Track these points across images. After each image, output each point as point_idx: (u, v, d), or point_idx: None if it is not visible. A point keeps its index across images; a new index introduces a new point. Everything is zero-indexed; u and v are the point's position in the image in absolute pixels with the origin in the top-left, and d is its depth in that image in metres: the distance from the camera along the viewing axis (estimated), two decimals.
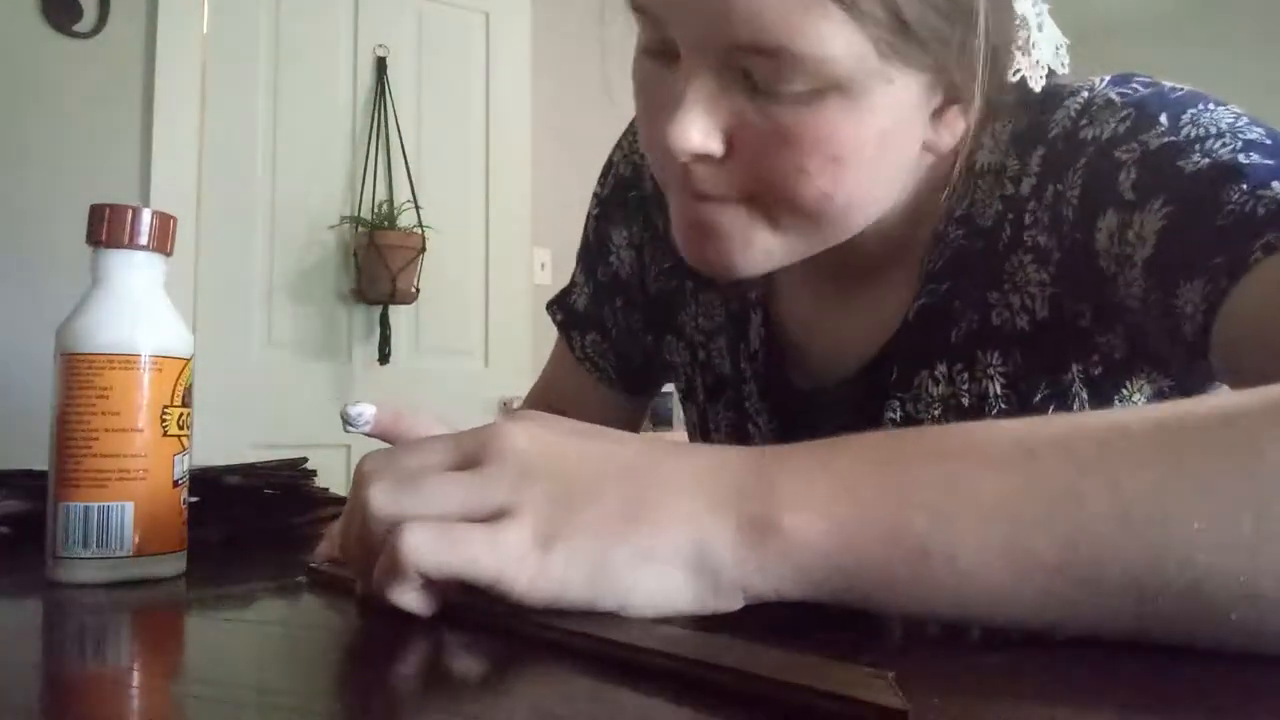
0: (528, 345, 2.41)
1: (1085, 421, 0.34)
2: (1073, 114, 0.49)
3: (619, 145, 0.72)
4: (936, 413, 0.53)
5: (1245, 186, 0.41)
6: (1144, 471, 0.29)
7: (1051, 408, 0.51)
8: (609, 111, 2.84)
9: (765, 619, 0.32)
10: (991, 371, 0.52)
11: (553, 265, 2.78)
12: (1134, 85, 0.49)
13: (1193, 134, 0.45)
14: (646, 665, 0.27)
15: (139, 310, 0.45)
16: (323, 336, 2.20)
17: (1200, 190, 0.42)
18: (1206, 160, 0.43)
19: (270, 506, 0.68)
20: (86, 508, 0.42)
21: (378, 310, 2.22)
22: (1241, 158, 0.42)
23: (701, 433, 0.67)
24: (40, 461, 0.47)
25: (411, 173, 2.27)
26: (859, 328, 0.56)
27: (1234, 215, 0.41)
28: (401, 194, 2.25)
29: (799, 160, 0.43)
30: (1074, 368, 0.51)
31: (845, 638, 0.34)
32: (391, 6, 2.32)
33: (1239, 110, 0.47)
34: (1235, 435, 0.30)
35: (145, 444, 0.44)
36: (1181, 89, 0.48)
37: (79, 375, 0.43)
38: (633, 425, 0.75)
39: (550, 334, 0.77)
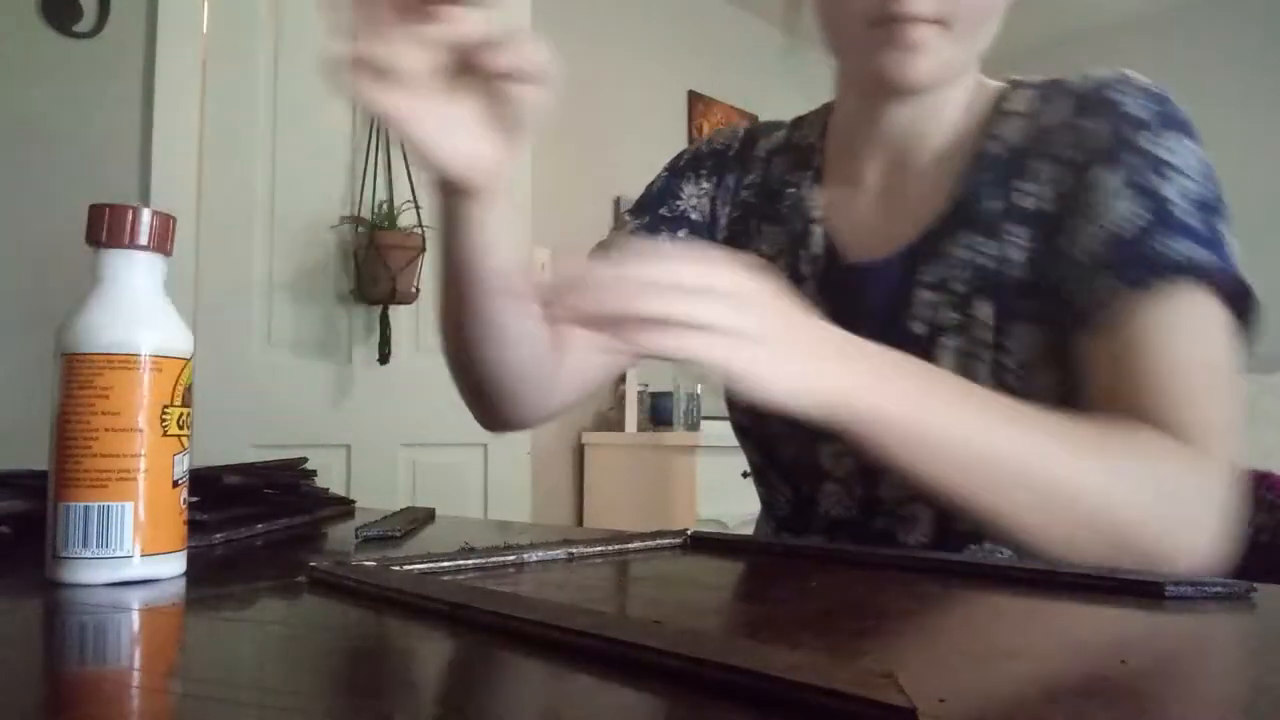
0: None
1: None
2: (1104, 79, 0.66)
3: (702, 140, 0.90)
4: (958, 272, 0.67)
5: (1174, 232, 0.58)
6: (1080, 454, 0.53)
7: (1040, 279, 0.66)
8: (609, 112, 2.85)
9: (771, 620, 0.32)
10: (1015, 241, 0.66)
11: (553, 265, 2.79)
12: (1148, 83, 0.65)
13: (1179, 162, 0.61)
14: (651, 664, 0.27)
15: (139, 310, 0.45)
16: (323, 336, 2.20)
17: (1154, 210, 0.59)
18: (1175, 190, 0.59)
19: (270, 506, 0.68)
20: (86, 508, 0.42)
21: (378, 310, 2.21)
22: (1183, 212, 0.59)
23: None
24: (40, 461, 0.47)
25: (411, 173, 2.26)
26: (900, 224, 0.71)
27: (1156, 249, 0.58)
28: (401, 194, 2.25)
29: None
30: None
31: (851, 637, 0.33)
32: None
33: (1200, 155, 0.62)
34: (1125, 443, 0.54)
35: (145, 444, 0.43)
36: (1183, 112, 0.64)
37: (79, 375, 0.43)
38: None
39: None
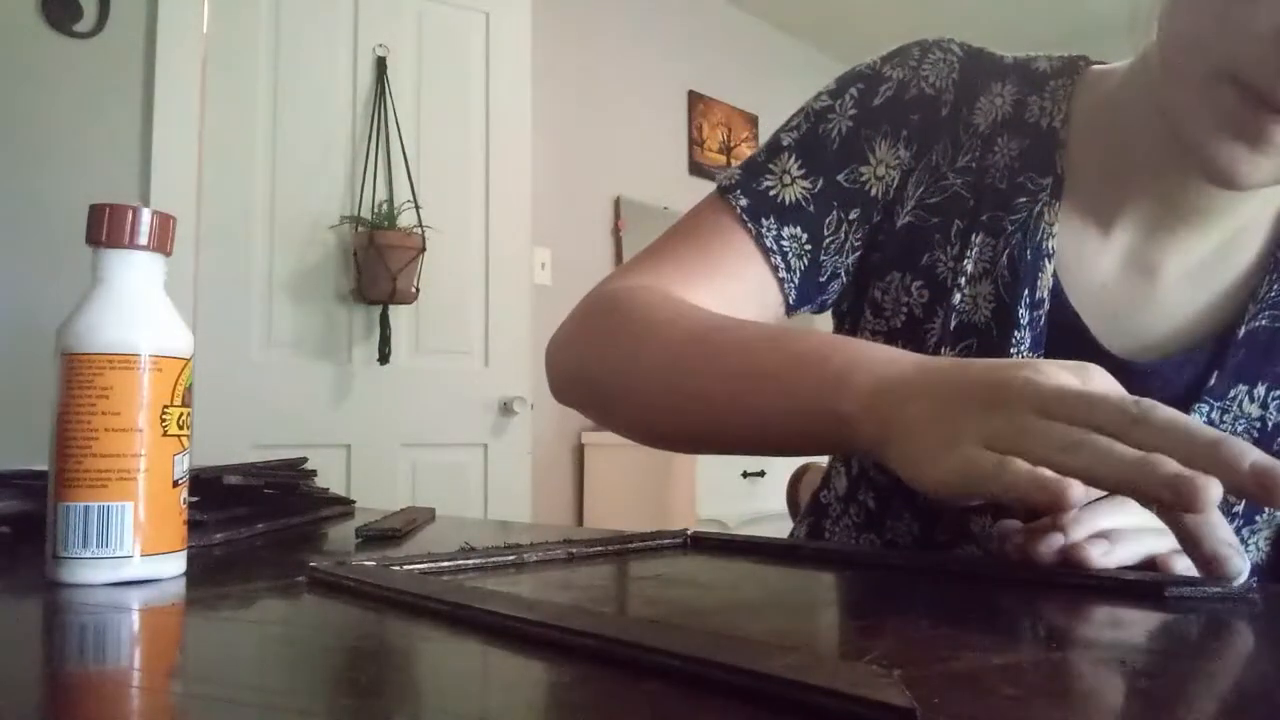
0: (527, 345, 2.41)
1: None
2: None
3: (894, 63, 0.65)
4: (1240, 428, 0.55)
5: None
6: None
7: None
8: (609, 112, 2.85)
9: (771, 619, 0.32)
10: None
11: (552, 265, 2.79)
12: None
13: None
14: (651, 664, 0.27)
15: (139, 310, 0.45)
16: (323, 336, 2.20)
17: None
18: None
19: (270, 506, 0.68)
20: (86, 508, 0.42)
21: (378, 310, 2.22)
22: None
23: None
24: (40, 461, 0.47)
25: (411, 173, 2.27)
26: (1155, 316, 0.58)
27: None
28: (401, 194, 2.25)
29: None
30: None
31: (851, 637, 0.33)
32: (391, 6, 2.32)
33: None
34: None
35: (145, 444, 0.43)
36: None
37: (79, 375, 0.43)
38: None
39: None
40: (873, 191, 0.63)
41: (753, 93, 3.61)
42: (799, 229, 0.63)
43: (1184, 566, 0.44)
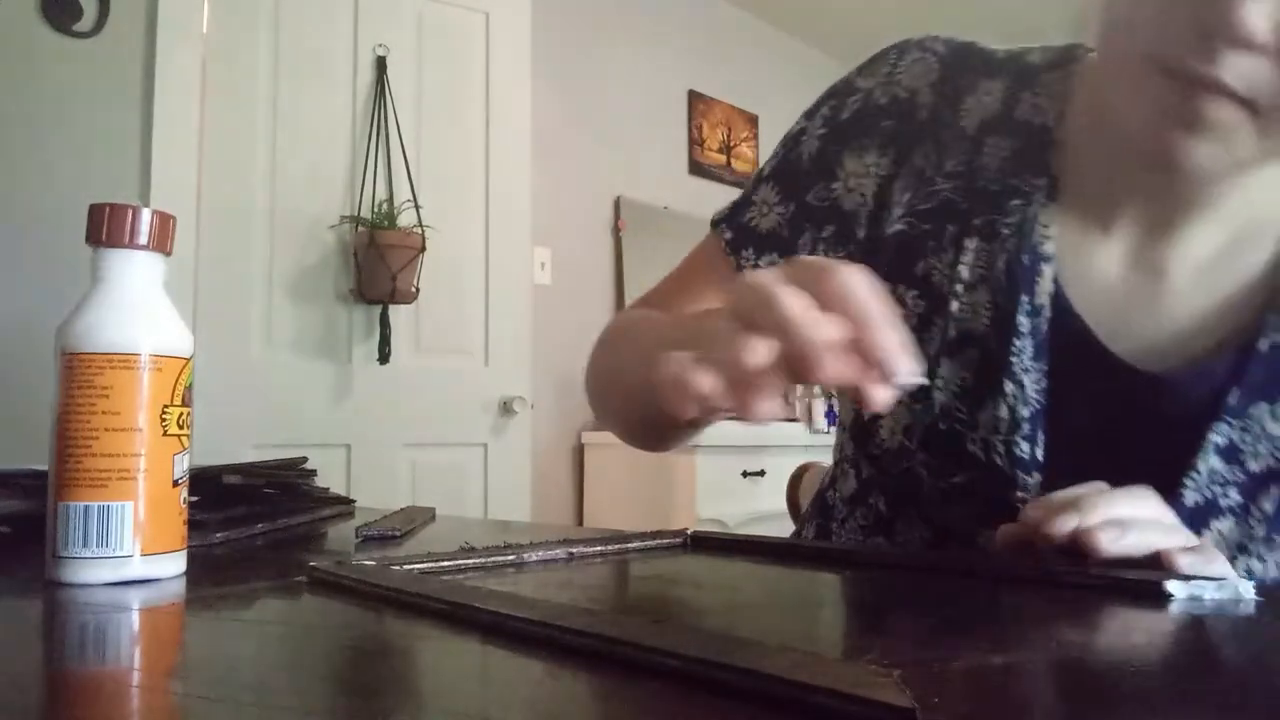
0: (527, 345, 2.41)
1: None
2: None
3: (867, 72, 0.65)
4: (1263, 449, 0.52)
5: None
6: None
7: None
8: (608, 111, 2.85)
9: (771, 619, 0.32)
10: None
11: (552, 265, 2.79)
12: None
13: None
14: (651, 664, 0.27)
15: (139, 310, 0.45)
16: (323, 336, 2.20)
17: None
18: None
19: (270, 506, 0.68)
20: (86, 508, 0.42)
21: (377, 310, 2.21)
22: None
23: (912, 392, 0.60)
24: (40, 461, 0.47)
25: (411, 172, 2.27)
26: (1164, 320, 0.55)
27: None
28: (401, 194, 2.25)
29: None
30: None
31: (851, 637, 0.33)
32: (391, 6, 2.32)
33: None
34: None
35: (145, 444, 0.43)
36: None
37: (79, 375, 0.43)
38: None
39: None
40: (845, 205, 0.63)
41: (753, 93, 3.61)
42: (776, 255, 0.65)
43: (1188, 564, 0.44)
